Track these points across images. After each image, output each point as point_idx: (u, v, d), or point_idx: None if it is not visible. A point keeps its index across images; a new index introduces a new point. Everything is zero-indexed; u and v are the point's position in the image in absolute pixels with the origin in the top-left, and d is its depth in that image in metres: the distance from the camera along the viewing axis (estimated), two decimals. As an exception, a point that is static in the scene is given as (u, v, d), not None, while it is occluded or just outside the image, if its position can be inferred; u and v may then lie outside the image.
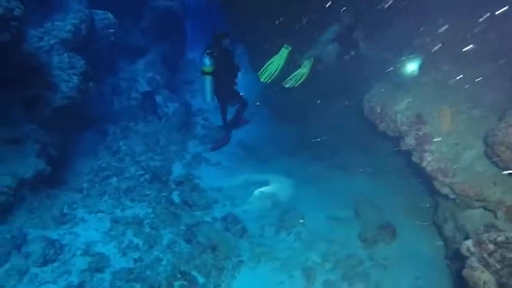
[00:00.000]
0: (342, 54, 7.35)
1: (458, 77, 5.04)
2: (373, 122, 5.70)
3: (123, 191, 7.88)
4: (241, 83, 14.28)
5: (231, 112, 9.36)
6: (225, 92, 7.93)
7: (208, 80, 7.34)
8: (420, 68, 6.31)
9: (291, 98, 10.62)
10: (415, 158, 4.84)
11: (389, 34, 6.71)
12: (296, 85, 6.41)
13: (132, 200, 7.76)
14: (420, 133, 4.61)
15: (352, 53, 7.20)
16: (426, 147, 4.56)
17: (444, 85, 5.15)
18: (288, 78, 6.40)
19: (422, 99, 4.93)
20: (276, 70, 6.23)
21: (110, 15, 9.98)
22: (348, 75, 8.19)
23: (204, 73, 7.31)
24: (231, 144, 10.99)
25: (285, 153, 10.43)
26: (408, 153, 5.18)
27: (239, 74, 8.44)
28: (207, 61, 7.26)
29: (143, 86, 12.24)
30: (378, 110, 5.41)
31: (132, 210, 7.41)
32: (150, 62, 12.86)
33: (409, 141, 4.80)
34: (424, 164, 4.57)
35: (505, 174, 4.48)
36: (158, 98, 12.47)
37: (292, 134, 11.05)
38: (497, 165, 4.21)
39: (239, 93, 8.33)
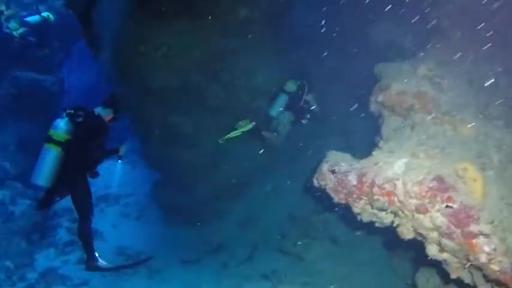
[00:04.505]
0: (297, 121, 6.13)
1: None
2: (340, 201, 3.43)
3: None
4: (126, 179, 11.05)
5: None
6: (70, 179, 4.25)
7: (54, 152, 3.93)
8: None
9: (191, 194, 7.86)
10: (446, 256, 2.56)
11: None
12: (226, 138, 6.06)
13: None
14: (455, 205, 2.49)
15: (308, 116, 6.09)
16: (474, 229, 2.41)
17: (431, 134, 3.35)
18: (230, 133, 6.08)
19: (421, 156, 2.97)
20: (234, 135, 6.11)
21: None
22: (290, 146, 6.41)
23: (51, 141, 3.96)
24: (105, 253, 7.20)
25: (183, 261, 7.14)
26: (412, 244, 2.95)
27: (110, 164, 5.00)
28: (63, 125, 4.00)
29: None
30: (354, 181, 3.20)
31: None
32: (-1, 144, 8.80)
33: (431, 222, 2.60)
34: (483, 259, 2.34)
35: None
36: (2, 193, 8.20)
37: (192, 237, 7.93)
38: None
39: (89, 191, 4.45)
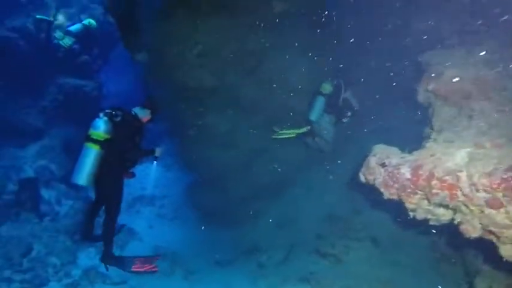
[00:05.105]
0: (339, 120, 6.08)
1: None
2: (391, 196, 3.12)
3: None
4: (161, 181, 11.14)
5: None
6: (107, 179, 4.22)
7: (94, 151, 3.90)
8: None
9: (226, 195, 7.72)
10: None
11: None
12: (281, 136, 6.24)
13: None
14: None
15: (349, 113, 5.96)
16: None
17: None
18: (284, 131, 6.24)
19: (487, 145, 2.63)
20: (288, 134, 6.25)
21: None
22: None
23: (90, 140, 3.93)
24: (142, 253, 7.22)
25: (218, 262, 7.01)
26: (467, 245, 2.60)
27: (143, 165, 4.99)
28: (101, 124, 3.95)
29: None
30: (407, 174, 2.90)
31: None
32: (46, 147, 9.13)
33: (508, 218, 2.27)
34: None
35: None
36: (48, 193, 8.48)
37: (227, 238, 7.79)
38: None
39: (121, 190, 4.37)
